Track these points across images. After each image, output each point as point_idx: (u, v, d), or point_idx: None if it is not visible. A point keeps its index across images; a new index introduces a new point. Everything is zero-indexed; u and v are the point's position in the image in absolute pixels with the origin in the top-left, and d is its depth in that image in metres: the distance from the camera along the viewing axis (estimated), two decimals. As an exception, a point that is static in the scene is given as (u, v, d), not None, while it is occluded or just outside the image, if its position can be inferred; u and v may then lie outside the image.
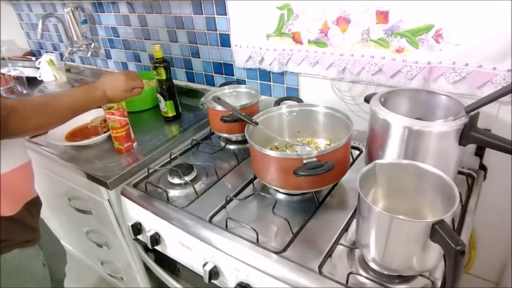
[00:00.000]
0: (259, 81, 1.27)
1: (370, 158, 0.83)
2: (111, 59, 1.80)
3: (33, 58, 1.85)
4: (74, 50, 1.85)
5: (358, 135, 0.89)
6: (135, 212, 0.94)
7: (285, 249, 0.70)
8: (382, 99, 0.80)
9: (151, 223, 0.90)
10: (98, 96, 0.93)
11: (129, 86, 0.98)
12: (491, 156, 0.88)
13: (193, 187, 0.90)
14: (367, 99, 0.84)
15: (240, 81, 1.30)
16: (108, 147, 1.14)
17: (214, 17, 1.24)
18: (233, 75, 1.33)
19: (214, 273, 0.77)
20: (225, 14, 1.20)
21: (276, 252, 0.70)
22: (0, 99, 0.71)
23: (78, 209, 1.22)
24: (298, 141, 0.98)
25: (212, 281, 0.78)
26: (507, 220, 0.94)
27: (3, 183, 0.80)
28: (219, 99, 0.98)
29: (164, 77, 1.21)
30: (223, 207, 0.84)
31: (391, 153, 0.75)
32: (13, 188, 0.84)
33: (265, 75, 1.23)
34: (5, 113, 0.70)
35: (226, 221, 0.77)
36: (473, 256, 1.05)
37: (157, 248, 0.92)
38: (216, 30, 1.27)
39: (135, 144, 1.12)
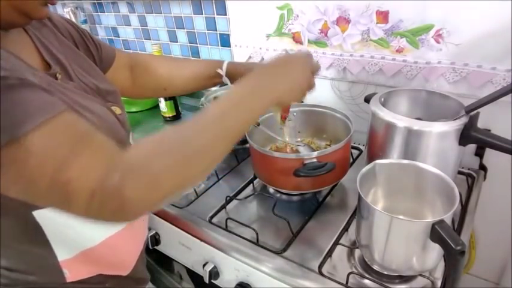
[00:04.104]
0: (259, 81, 1.27)
1: (370, 158, 0.83)
2: (111, 59, 1.80)
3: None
4: (74, 50, 1.85)
5: (358, 135, 0.90)
6: (135, 212, 0.93)
7: (285, 249, 0.70)
8: (382, 99, 0.80)
9: (151, 223, 0.90)
10: (268, 104, 0.54)
11: (310, 83, 0.62)
12: (491, 156, 0.88)
13: (193, 187, 0.90)
14: (367, 99, 0.84)
15: (240, 81, 1.30)
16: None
17: (214, 17, 1.24)
18: (233, 75, 1.33)
19: (214, 273, 0.77)
20: (225, 14, 1.20)
21: (276, 252, 0.70)
22: (105, 150, 0.41)
23: (78, 209, 1.22)
24: (298, 141, 0.98)
25: (212, 281, 0.78)
26: (507, 220, 0.94)
27: (111, 247, 0.62)
28: (220, 99, 0.97)
29: (164, 77, 1.21)
30: (223, 207, 0.84)
31: (391, 153, 0.75)
32: (127, 246, 0.66)
33: (265, 75, 1.23)
34: (118, 179, 0.38)
35: (226, 221, 0.77)
36: (473, 256, 1.05)
37: (157, 248, 0.92)
38: (216, 30, 1.27)
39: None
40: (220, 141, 0.47)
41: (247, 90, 0.53)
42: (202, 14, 1.27)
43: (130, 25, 1.56)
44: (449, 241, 0.48)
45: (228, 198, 0.84)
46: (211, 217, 0.81)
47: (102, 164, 0.39)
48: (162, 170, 0.41)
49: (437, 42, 0.85)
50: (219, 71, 0.80)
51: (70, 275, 0.58)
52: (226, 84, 0.83)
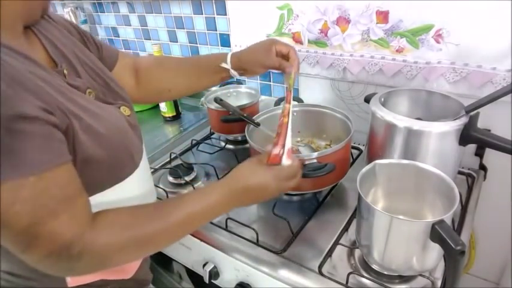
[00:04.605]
0: (259, 81, 1.27)
1: (370, 158, 0.83)
2: (111, 59, 1.80)
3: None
4: (74, 50, 1.85)
5: (358, 135, 0.90)
6: (135, 212, 0.93)
7: (285, 249, 0.70)
8: (382, 99, 0.80)
9: (152, 223, 0.89)
10: (226, 210, 0.59)
11: (274, 196, 0.63)
12: (491, 156, 0.88)
13: (193, 187, 0.90)
14: (367, 99, 0.84)
15: (240, 81, 1.30)
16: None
17: (214, 17, 1.24)
18: (233, 75, 1.33)
19: (214, 273, 0.77)
20: (225, 14, 1.20)
21: (276, 252, 0.70)
22: (80, 218, 0.45)
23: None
24: (298, 141, 0.98)
25: (212, 281, 0.78)
26: (507, 220, 0.94)
27: None
28: (221, 100, 0.98)
29: (164, 77, 1.20)
30: (223, 207, 0.84)
31: (391, 153, 0.75)
32: None
33: (265, 75, 1.23)
34: (77, 253, 0.43)
35: (226, 221, 0.77)
36: (473, 256, 1.05)
37: (157, 248, 0.92)
38: (216, 30, 1.27)
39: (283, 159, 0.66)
40: (179, 234, 0.55)
41: (215, 203, 0.56)
42: (202, 14, 1.27)
43: (130, 25, 1.56)
44: (449, 241, 0.48)
45: (228, 198, 0.84)
46: (211, 217, 0.81)
47: (71, 234, 0.43)
48: (119, 253, 0.48)
49: (437, 42, 0.85)
50: (224, 65, 0.78)
51: (71, 281, 0.58)
52: (233, 78, 0.81)
